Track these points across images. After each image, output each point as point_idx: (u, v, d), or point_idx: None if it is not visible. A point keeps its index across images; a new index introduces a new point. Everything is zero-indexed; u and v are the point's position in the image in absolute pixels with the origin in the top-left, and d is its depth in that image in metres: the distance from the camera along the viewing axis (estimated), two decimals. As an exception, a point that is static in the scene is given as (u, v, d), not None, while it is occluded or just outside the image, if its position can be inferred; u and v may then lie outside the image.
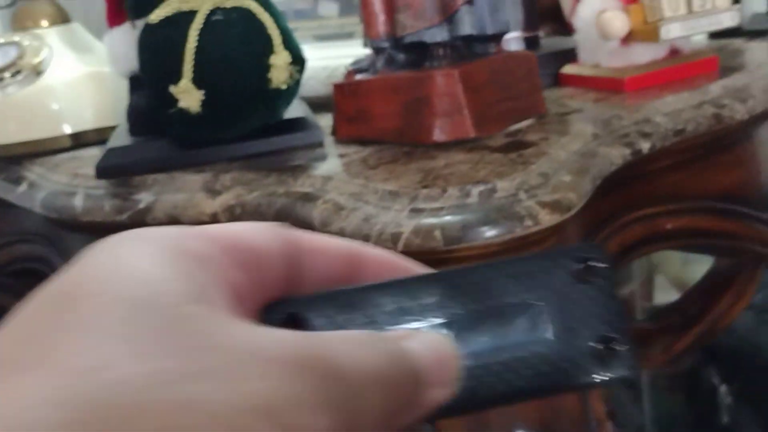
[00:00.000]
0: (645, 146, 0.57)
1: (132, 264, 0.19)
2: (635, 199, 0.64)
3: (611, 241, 0.63)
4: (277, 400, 0.17)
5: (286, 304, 0.24)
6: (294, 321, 0.24)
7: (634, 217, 0.64)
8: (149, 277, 0.19)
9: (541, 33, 0.85)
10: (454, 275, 0.25)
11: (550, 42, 0.85)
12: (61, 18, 0.86)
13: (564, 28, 0.82)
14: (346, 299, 0.24)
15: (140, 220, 0.58)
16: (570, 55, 0.75)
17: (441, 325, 0.24)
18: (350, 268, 0.25)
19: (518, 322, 0.25)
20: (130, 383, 0.16)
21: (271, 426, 0.17)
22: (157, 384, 0.16)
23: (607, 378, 0.26)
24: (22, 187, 0.71)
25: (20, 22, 0.85)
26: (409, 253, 0.46)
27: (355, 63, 0.66)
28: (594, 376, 0.26)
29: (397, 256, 0.26)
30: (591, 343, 0.25)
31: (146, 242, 0.20)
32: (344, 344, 0.20)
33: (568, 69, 0.74)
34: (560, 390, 0.26)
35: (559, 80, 0.76)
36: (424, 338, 0.23)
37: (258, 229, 0.23)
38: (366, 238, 0.47)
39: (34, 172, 0.73)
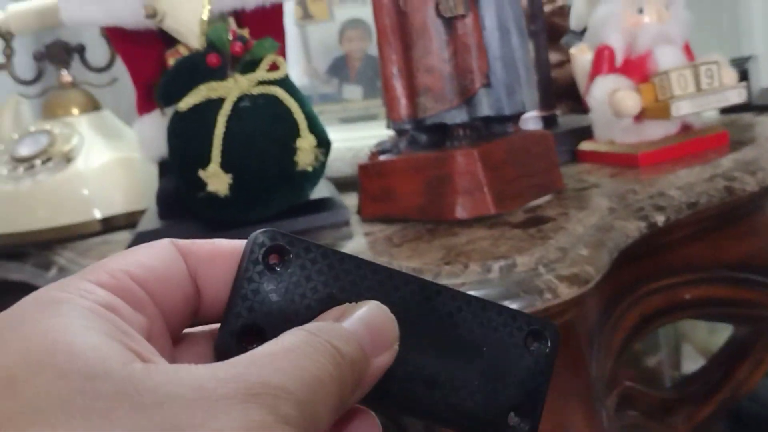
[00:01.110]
0: (660, 219, 0.59)
1: (60, 336, 0.19)
2: (653, 270, 0.66)
3: (631, 312, 0.65)
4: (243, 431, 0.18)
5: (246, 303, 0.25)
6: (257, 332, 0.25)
7: (652, 287, 0.65)
8: (81, 347, 0.19)
9: (558, 111, 0.88)
10: (432, 289, 0.27)
11: (567, 120, 0.87)
12: (92, 106, 0.90)
13: (580, 106, 0.85)
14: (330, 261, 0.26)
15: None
16: (586, 132, 0.78)
17: (408, 325, 0.26)
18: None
19: (462, 357, 0.27)
20: None
21: None
22: None
23: None
24: (52, 272, 0.72)
25: (51, 111, 0.88)
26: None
27: (378, 144, 0.68)
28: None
29: None
30: (505, 408, 0.27)
31: (62, 306, 0.20)
32: (286, 360, 0.21)
33: (585, 146, 0.77)
34: (459, 429, 0.27)
35: (576, 156, 0.78)
36: (362, 311, 0.24)
37: (155, 253, 0.24)
38: (392, 314, 0.49)
39: (64, 257, 0.75)
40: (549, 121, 0.82)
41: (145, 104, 0.73)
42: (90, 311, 0.21)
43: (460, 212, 0.59)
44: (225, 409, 0.19)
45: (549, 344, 0.28)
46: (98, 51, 0.93)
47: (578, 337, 0.54)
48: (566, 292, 0.49)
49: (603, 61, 0.72)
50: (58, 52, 0.91)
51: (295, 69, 0.90)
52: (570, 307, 0.51)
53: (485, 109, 0.62)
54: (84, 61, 0.93)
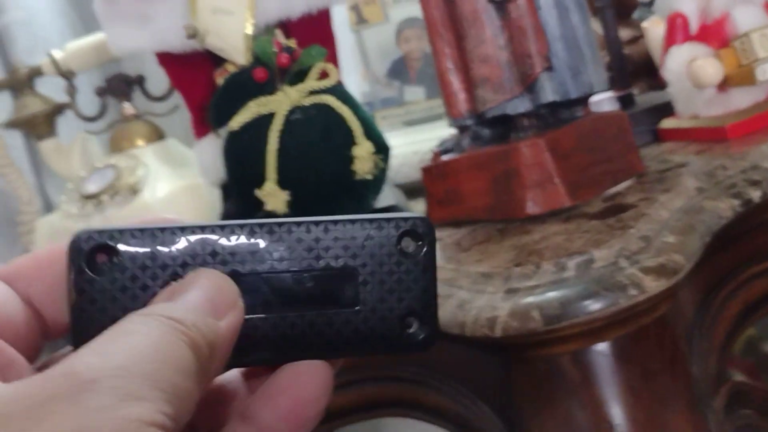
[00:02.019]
0: (755, 195, 0.53)
1: None
2: (753, 252, 0.59)
3: (733, 300, 0.59)
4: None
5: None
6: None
7: (755, 271, 0.59)
8: None
9: (635, 90, 0.82)
10: (280, 226, 0.26)
11: (646, 98, 0.82)
12: (156, 135, 0.89)
13: (659, 82, 0.79)
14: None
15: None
16: (667, 109, 0.72)
17: (255, 275, 0.25)
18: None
19: (335, 285, 0.26)
20: None
21: None
22: None
23: (405, 351, 0.27)
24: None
25: (117, 144, 0.88)
26: (509, 337, 0.43)
27: (440, 144, 0.64)
28: (394, 347, 0.27)
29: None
30: (397, 317, 0.26)
31: None
32: (121, 343, 0.21)
33: (666, 123, 0.71)
34: (360, 354, 0.27)
35: (658, 136, 0.72)
36: (190, 281, 0.24)
37: None
38: (462, 326, 0.45)
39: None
40: (625, 101, 0.77)
41: (201, 128, 0.71)
42: None
43: (532, 208, 0.55)
44: (53, 409, 0.18)
45: (424, 238, 0.27)
46: (158, 80, 0.93)
47: (674, 334, 0.49)
48: (653, 285, 0.44)
49: (676, 29, 0.66)
50: (119, 86, 0.91)
51: (354, 76, 0.87)
52: (660, 302, 0.46)
53: (549, 94, 0.57)
54: (145, 92, 0.93)
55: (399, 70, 0.86)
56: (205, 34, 0.61)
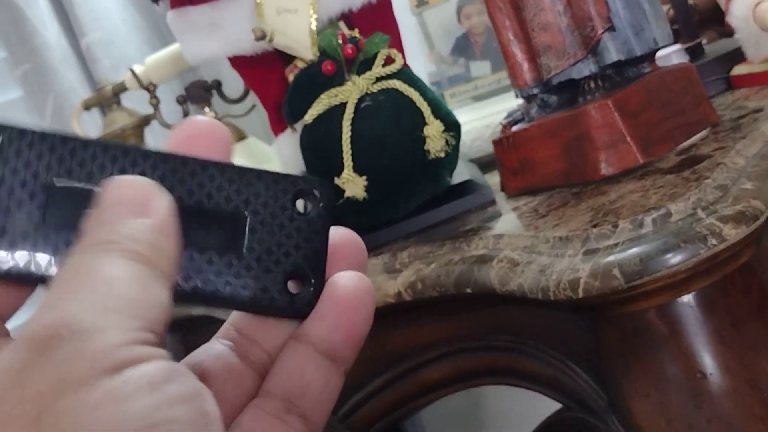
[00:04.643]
0: (834, 133, 0.53)
1: None
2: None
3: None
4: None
5: None
6: None
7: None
8: None
9: (704, 40, 0.81)
10: (177, 160, 0.25)
11: (716, 47, 0.80)
12: (238, 136, 0.93)
13: (728, 29, 0.78)
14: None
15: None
16: (738, 56, 0.71)
17: None
18: None
19: (223, 228, 0.25)
20: None
21: None
22: None
23: (283, 312, 0.26)
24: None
25: (201, 149, 0.92)
26: (591, 298, 0.44)
27: (508, 115, 0.65)
28: (273, 306, 0.25)
29: None
30: (282, 272, 0.25)
31: None
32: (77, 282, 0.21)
33: (738, 70, 0.70)
34: (238, 305, 0.26)
35: (731, 83, 0.71)
36: (106, 191, 0.23)
37: None
38: (545, 291, 0.46)
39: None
40: (695, 52, 0.76)
41: (278, 124, 0.73)
42: None
43: (606, 169, 0.55)
44: (36, 370, 0.19)
45: (321, 202, 0.26)
46: (234, 83, 0.96)
47: (760, 281, 0.49)
48: (733, 233, 0.44)
49: (739, -27, 0.65)
50: (198, 92, 0.95)
51: (419, 58, 0.88)
52: (742, 250, 0.46)
53: (613, 54, 0.57)
54: (222, 95, 0.96)
55: (463, 47, 0.87)
56: (273, 34, 0.63)
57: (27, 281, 0.24)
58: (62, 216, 0.24)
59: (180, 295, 0.24)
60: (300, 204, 0.26)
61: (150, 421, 0.19)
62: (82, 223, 0.23)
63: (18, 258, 0.23)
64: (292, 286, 0.26)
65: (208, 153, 0.25)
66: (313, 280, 0.26)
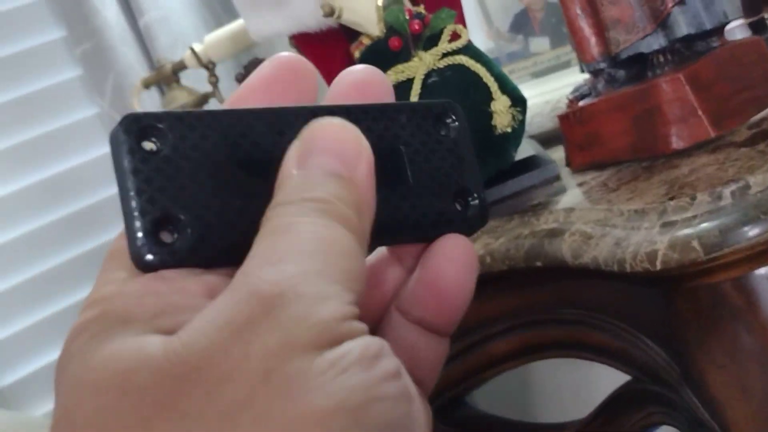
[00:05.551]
0: None
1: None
2: None
3: None
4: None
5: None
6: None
7: None
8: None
9: (767, 15, 0.80)
10: (326, 111, 0.24)
11: (779, 20, 0.79)
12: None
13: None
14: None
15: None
16: (805, 28, 0.70)
17: None
18: None
19: (385, 164, 0.25)
20: None
21: None
22: None
23: (465, 228, 0.26)
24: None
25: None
26: (669, 269, 0.45)
27: (575, 90, 0.65)
28: (455, 226, 0.26)
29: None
30: (451, 194, 0.26)
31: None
32: (297, 244, 0.21)
33: (806, 43, 0.69)
34: (422, 237, 0.26)
35: (798, 57, 0.71)
36: (315, 135, 0.23)
37: None
38: (621, 263, 0.46)
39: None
40: (758, 27, 0.75)
41: (341, 101, 0.74)
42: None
43: (677, 143, 0.55)
44: (254, 332, 0.19)
45: (457, 121, 0.27)
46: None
47: (836, 252, 0.49)
48: (812, 205, 0.44)
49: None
50: (256, 70, 0.96)
51: (478, 35, 0.88)
52: (821, 221, 0.46)
53: (684, 28, 0.57)
54: (280, 73, 0.97)
55: (522, 23, 0.87)
56: (342, 10, 0.64)
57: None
58: (244, 191, 0.23)
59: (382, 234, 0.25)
60: (442, 127, 0.27)
61: (368, 396, 0.19)
62: (283, 165, 0.23)
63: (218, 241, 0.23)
64: (464, 198, 0.27)
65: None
66: (475, 194, 0.27)
